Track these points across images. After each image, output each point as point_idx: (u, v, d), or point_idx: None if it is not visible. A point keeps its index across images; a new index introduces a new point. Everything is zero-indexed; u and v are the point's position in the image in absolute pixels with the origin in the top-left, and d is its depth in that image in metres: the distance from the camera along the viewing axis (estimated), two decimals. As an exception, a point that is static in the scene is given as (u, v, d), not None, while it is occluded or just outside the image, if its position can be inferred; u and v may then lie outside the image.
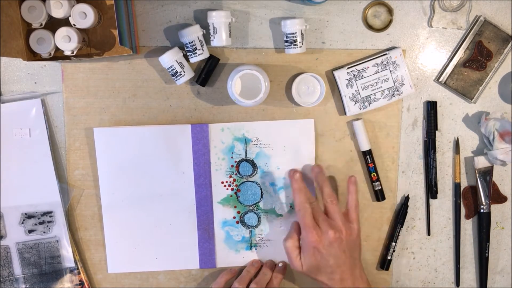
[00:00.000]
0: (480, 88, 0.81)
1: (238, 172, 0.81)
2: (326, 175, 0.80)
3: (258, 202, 0.82)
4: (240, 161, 0.81)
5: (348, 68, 0.79)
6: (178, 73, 0.76)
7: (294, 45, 0.76)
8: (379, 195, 0.82)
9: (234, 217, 0.82)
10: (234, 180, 0.81)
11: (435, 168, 0.82)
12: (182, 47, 0.77)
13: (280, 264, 0.81)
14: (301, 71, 0.79)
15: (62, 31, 0.72)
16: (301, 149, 0.80)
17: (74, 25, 0.72)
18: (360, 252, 0.77)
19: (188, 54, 0.76)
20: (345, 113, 0.80)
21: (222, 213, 0.81)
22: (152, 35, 0.78)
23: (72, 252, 0.80)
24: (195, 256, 0.82)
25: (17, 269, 0.80)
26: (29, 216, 0.80)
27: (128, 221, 0.80)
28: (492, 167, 0.82)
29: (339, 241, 0.73)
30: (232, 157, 0.81)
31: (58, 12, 0.72)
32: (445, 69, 0.81)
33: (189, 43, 0.75)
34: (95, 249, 0.82)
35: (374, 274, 0.84)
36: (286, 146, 0.80)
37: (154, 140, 0.79)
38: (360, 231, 0.77)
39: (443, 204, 0.84)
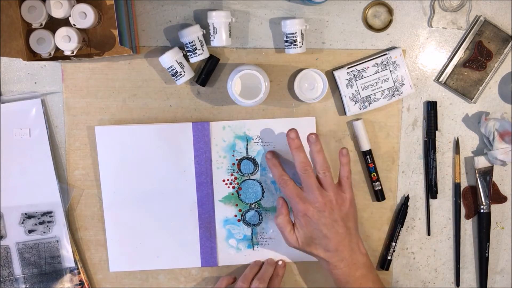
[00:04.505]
0: (480, 88, 0.81)
1: (240, 170, 0.81)
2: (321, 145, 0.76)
3: (259, 200, 0.82)
4: (241, 159, 0.81)
5: (348, 68, 0.79)
6: (178, 73, 0.76)
7: (294, 45, 0.76)
8: (379, 195, 0.82)
9: (236, 215, 0.82)
10: (236, 178, 0.81)
11: (435, 168, 0.82)
12: (182, 47, 0.77)
13: (280, 262, 0.81)
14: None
15: (62, 31, 0.72)
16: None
17: (74, 25, 0.72)
18: (356, 222, 0.76)
19: (188, 54, 0.76)
20: (345, 113, 0.80)
21: (224, 212, 0.81)
22: (152, 35, 0.78)
23: (72, 252, 0.80)
24: (197, 255, 0.82)
25: (17, 269, 0.80)
26: (29, 216, 0.80)
27: (129, 219, 0.81)
28: (492, 167, 0.82)
29: (330, 210, 0.72)
30: (233, 155, 0.81)
31: (58, 12, 0.72)
32: (445, 69, 0.81)
33: (189, 43, 0.75)
34: (95, 249, 0.82)
35: (374, 274, 0.84)
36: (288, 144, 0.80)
37: (155, 138, 0.79)
38: (353, 200, 0.75)
39: (443, 204, 0.84)
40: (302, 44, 0.76)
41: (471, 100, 0.82)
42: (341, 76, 0.79)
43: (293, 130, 0.75)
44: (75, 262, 0.81)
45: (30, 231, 0.80)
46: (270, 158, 0.78)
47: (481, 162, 0.82)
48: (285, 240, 0.76)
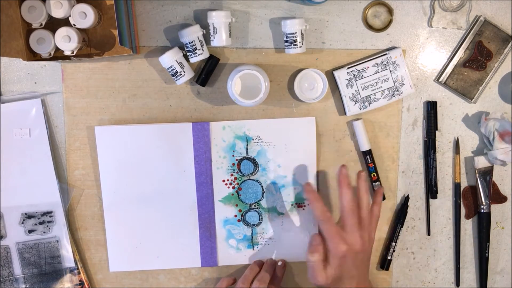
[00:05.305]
0: (480, 88, 0.81)
1: (240, 170, 0.81)
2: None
3: (259, 200, 0.82)
4: (241, 159, 0.81)
5: (348, 68, 0.79)
6: (178, 73, 0.76)
7: (294, 45, 0.76)
8: (379, 195, 0.82)
9: (236, 216, 0.82)
10: (236, 178, 0.81)
11: (435, 168, 0.82)
12: (182, 47, 0.77)
13: (280, 263, 0.81)
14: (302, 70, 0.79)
15: (62, 31, 0.72)
16: (302, 147, 0.80)
17: (74, 25, 0.72)
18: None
19: (188, 54, 0.76)
20: (345, 113, 0.80)
21: (224, 212, 0.81)
22: (152, 35, 0.78)
23: (72, 252, 0.80)
24: (197, 255, 0.82)
25: (17, 269, 0.80)
26: (29, 216, 0.80)
27: (129, 219, 0.81)
28: (492, 167, 0.82)
29: (363, 251, 0.73)
30: (233, 155, 0.81)
31: (58, 12, 0.72)
32: (445, 69, 0.81)
33: (189, 43, 0.75)
34: (95, 249, 0.82)
35: (374, 274, 0.84)
36: (288, 144, 0.80)
37: (155, 138, 0.79)
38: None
39: (443, 204, 0.84)
40: (302, 44, 0.76)
41: (471, 100, 0.82)
42: (341, 76, 0.79)
43: (345, 166, 0.75)
44: (75, 262, 0.81)
45: (30, 231, 0.80)
46: (311, 191, 0.75)
47: (481, 162, 0.82)
48: (313, 278, 0.73)
